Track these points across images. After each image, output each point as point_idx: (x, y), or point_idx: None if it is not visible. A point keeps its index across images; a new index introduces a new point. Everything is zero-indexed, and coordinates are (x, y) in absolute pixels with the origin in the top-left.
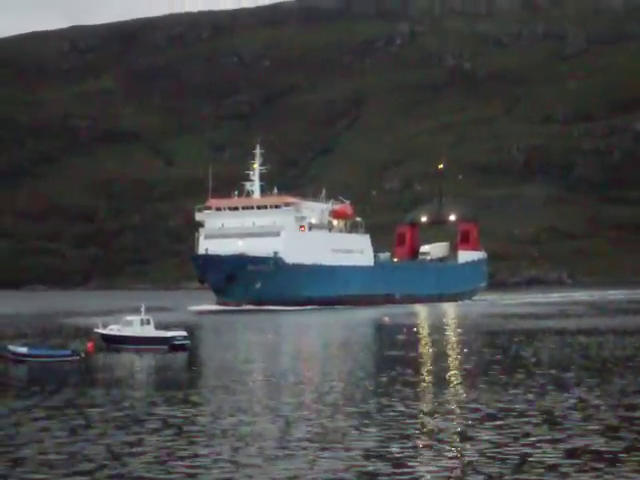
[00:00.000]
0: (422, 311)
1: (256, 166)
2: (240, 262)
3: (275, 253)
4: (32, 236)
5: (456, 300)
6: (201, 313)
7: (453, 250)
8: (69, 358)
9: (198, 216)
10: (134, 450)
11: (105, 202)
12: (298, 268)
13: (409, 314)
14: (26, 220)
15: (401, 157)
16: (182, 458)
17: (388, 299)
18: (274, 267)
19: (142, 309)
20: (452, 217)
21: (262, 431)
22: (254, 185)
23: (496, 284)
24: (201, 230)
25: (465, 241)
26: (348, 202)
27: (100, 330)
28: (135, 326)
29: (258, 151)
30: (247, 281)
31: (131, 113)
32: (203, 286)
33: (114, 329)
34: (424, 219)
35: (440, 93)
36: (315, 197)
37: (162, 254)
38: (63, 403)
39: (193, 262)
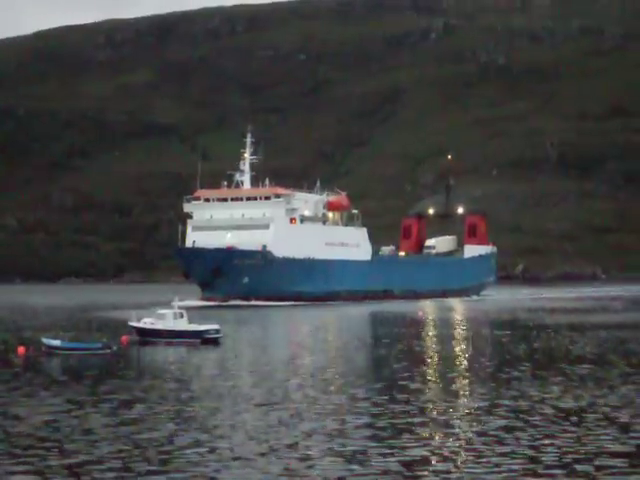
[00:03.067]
0: (428, 307)
1: (247, 155)
2: (226, 256)
3: (264, 246)
4: (67, 230)
5: (461, 296)
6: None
7: (461, 244)
8: (101, 351)
9: (186, 207)
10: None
11: (140, 196)
12: (288, 262)
13: (418, 309)
14: (62, 214)
15: (435, 151)
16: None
17: (386, 294)
18: (262, 261)
19: (175, 303)
20: (460, 210)
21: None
22: (244, 175)
23: (530, 279)
24: (189, 222)
25: (472, 235)
26: (344, 193)
27: (134, 323)
28: (168, 319)
29: (249, 140)
30: (234, 275)
31: (166, 107)
32: (188, 281)
33: (147, 322)
34: (431, 211)
35: (474, 88)
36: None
37: None
38: (96, 396)
39: (177, 256)
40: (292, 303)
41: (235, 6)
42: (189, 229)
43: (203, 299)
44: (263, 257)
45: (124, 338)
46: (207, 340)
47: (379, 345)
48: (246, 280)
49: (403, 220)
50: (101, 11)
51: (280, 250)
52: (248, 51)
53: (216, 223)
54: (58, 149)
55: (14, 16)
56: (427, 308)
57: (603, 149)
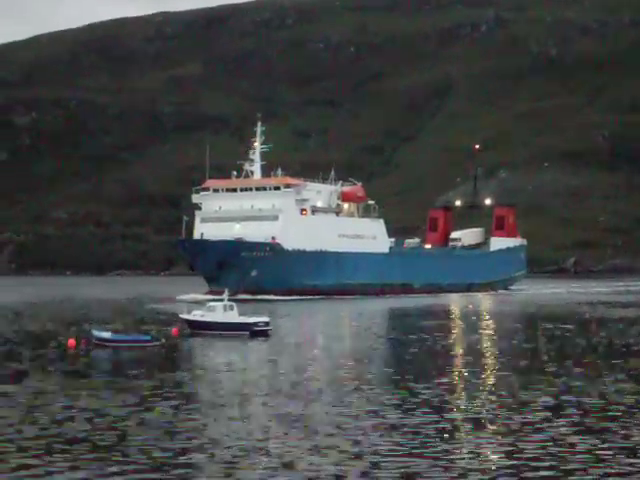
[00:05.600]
0: (455, 301)
1: (257, 144)
2: (232, 248)
3: (272, 238)
4: (117, 222)
5: (487, 290)
6: (191, 303)
7: (489, 236)
8: (150, 344)
9: (195, 198)
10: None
11: (190, 188)
12: (298, 254)
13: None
14: (112, 206)
15: (486, 144)
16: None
17: (405, 289)
18: (270, 253)
19: (225, 295)
20: (488, 201)
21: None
22: (254, 165)
23: (582, 272)
24: (197, 213)
25: (500, 227)
26: (359, 184)
27: (184, 316)
28: (218, 312)
29: (259, 129)
30: (241, 268)
31: (217, 99)
32: (194, 273)
33: (198, 315)
34: (458, 203)
35: (525, 80)
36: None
37: None
38: (148, 389)
39: (180, 247)
40: (301, 297)
41: None
42: (197, 220)
43: (209, 292)
44: (272, 249)
45: (175, 330)
46: (256, 332)
47: (419, 340)
48: (254, 273)
49: (430, 212)
50: (152, 4)
51: (290, 242)
52: (298, 43)
53: (225, 214)
54: (108, 142)
55: (66, 9)
56: (450, 303)
57: None
